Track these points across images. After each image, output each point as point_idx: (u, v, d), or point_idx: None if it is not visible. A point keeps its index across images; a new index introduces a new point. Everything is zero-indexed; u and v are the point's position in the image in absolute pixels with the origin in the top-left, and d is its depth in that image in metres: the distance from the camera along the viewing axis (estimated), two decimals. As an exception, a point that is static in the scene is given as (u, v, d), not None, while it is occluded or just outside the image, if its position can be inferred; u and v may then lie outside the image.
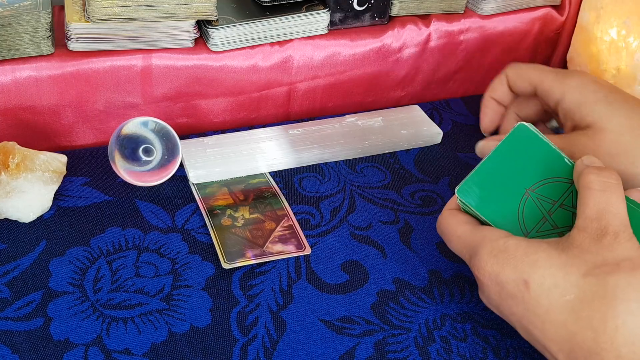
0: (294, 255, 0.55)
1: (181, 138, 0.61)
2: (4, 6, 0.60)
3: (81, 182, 0.61)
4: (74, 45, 0.62)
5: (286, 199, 0.60)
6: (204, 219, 0.58)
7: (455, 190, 0.50)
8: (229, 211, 0.58)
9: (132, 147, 0.58)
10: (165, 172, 0.59)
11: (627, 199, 0.46)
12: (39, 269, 0.52)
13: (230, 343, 0.48)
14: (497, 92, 0.64)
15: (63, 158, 0.58)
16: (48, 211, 0.57)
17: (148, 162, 0.59)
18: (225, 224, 0.57)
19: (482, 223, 0.50)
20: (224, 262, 0.53)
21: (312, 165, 0.65)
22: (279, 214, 0.58)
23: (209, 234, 0.56)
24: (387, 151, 0.67)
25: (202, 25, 0.65)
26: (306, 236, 0.57)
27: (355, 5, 0.69)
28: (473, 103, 0.74)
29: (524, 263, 0.44)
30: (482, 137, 0.63)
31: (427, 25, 0.73)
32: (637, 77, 0.64)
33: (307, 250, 0.55)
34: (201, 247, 0.55)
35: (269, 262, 0.54)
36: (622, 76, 0.65)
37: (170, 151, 0.59)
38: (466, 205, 0.50)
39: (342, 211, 0.60)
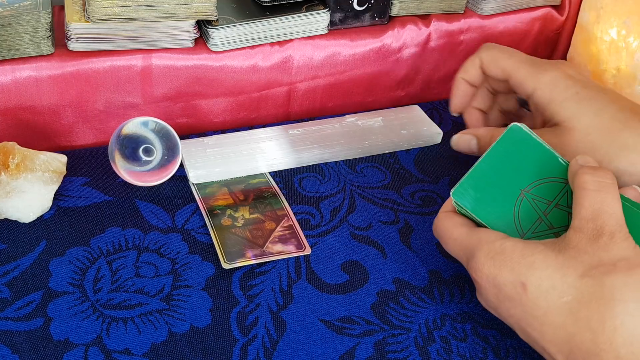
0: (294, 255, 0.55)
1: (181, 138, 0.61)
2: (4, 6, 0.60)
3: (81, 182, 0.61)
4: (74, 45, 0.62)
5: (286, 199, 0.60)
6: (204, 219, 0.58)
7: (451, 193, 0.50)
8: (229, 211, 0.58)
9: (132, 147, 0.58)
10: (165, 172, 0.59)
11: (622, 197, 0.46)
12: (39, 269, 0.52)
13: (230, 343, 0.48)
14: (469, 74, 0.64)
15: (63, 158, 0.58)
16: (48, 211, 0.57)
17: (148, 162, 0.59)
18: (225, 224, 0.57)
19: (478, 225, 0.50)
20: (224, 262, 0.53)
21: (312, 165, 0.65)
22: (279, 214, 0.58)
23: (209, 234, 0.56)
24: (387, 151, 0.67)
25: (202, 25, 0.65)
26: (306, 236, 0.57)
27: (355, 5, 0.69)
28: (473, 103, 0.74)
29: (521, 265, 0.44)
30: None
31: (427, 25, 0.73)
32: (637, 77, 0.64)
33: (307, 250, 0.55)
34: (201, 247, 0.55)
35: (269, 262, 0.54)
36: (622, 76, 0.65)
37: (171, 151, 0.59)
38: (462, 208, 0.50)
39: (342, 211, 0.60)
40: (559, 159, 0.49)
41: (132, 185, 0.59)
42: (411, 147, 0.68)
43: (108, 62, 0.63)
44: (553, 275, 0.43)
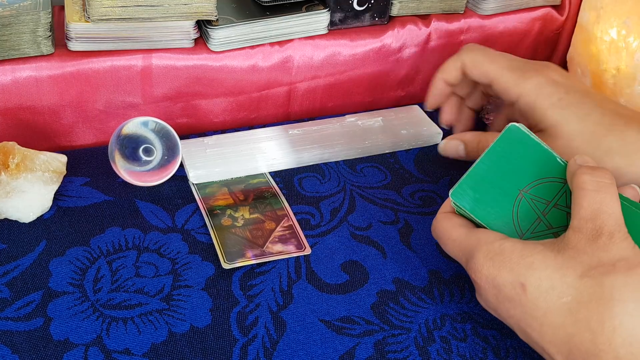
0: (294, 255, 0.55)
1: (181, 138, 0.61)
2: (4, 6, 0.60)
3: (81, 182, 0.61)
4: (74, 45, 0.62)
5: (286, 199, 0.60)
6: (204, 219, 0.58)
7: (449, 194, 0.50)
8: (229, 211, 0.58)
9: (132, 147, 0.58)
10: (165, 172, 0.59)
11: (621, 197, 0.46)
12: (39, 269, 0.52)
13: (230, 343, 0.48)
14: (449, 75, 0.63)
15: (63, 158, 0.58)
16: (48, 211, 0.57)
17: (148, 162, 0.59)
18: (225, 224, 0.57)
19: (477, 225, 0.50)
20: (224, 262, 0.53)
21: (312, 165, 0.65)
22: (279, 214, 0.58)
23: (209, 234, 0.56)
24: (387, 151, 0.67)
25: (202, 25, 0.65)
26: (306, 236, 0.57)
27: (355, 5, 0.69)
28: (473, 103, 0.74)
29: (520, 265, 0.44)
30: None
31: (427, 25, 0.73)
32: (637, 77, 0.64)
33: (307, 250, 0.55)
34: (201, 247, 0.55)
35: (269, 262, 0.54)
36: (622, 76, 0.65)
37: (171, 151, 0.59)
38: (460, 208, 0.50)
39: (342, 211, 0.60)
40: (557, 159, 0.49)
41: (132, 185, 0.59)
42: (411, 147, 0.68)
43: (108, 62, 0.63)
44: (552, 275, 0.43)
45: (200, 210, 0.59)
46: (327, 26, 0.69)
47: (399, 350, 0.49)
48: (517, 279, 0.44)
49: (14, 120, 0.63)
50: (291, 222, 0.58)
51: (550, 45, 0.81)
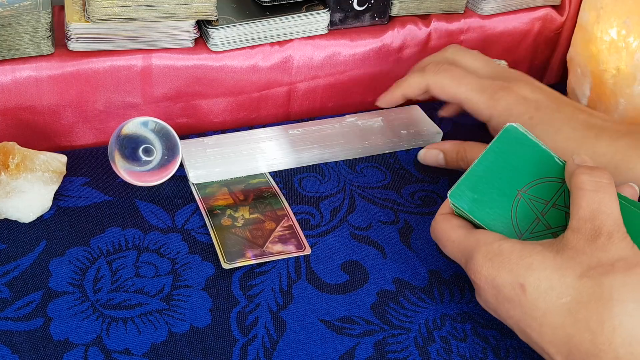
0: (294, 255, 0.55)
1: (181, 138, 0.61)
2: (4, 6, 0.60)
3: (81, 182, 0.61)
4: (74, 45, 0.62)
5: (286, 199, 0.60)
6: (204, 219, 0.58)
7: (448, 195, 0.50)
8: (229, 211, 0.58)
9: (132, 147, 0.58)
10: (165, 172, 0.59)
11: (619, 196, 0.46)
12: (39, 269, 0.52)
13: (230, 343, 0.48)
14: (410, 92, 0.63)
15: (63, 158, 0.58)
16: (48, 211, 0.57)
17: (148, 162, 0.59)
18: (225, 224, 0.57)
19: (476, 226, 0.50)
20: (224, 262, 0.53)
21: (312, 165, 0.65)
22: (279, 214, 0.58)
23: (209, 234, 0.56)
24: (387, 151, 0.67)
25: (202, 25, 0.65)
26: (306, 236, 0.57)
27: (355, 5, 0.69)
28: (473, 103, 0.74)
29: (519, 266, 0.44)
30: (480, 136, 0.62)
31: (427, 25, 0.73)
32: (637, 77, 0.64)
33: (307, 250, 0.55)
34: (201, 247, 0.55)
35: (269, 262, 0.54)
36: (622, 76, 0.65)
37: (170, 151, 0.59)
38: (459, 209, 0.50)
39: (342, 211, 0.60)
40: (556, 159, 0.49)
41: (132, 185, 0.59)
42: (411, 147, 0.68)
43: (108, 62, 0.63)
44: (551, 276, 0.43)
45: (200, 210, 0.59)
46: (327, 26, 0.69)
47: (399, 350, 0.49)
48: (517, 279, 0.44)
49: (14, 120, 0.63)
50: (291, 222, 0.58)
51: (550, 45, 0.81)
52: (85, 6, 0.61)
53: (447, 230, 0.50)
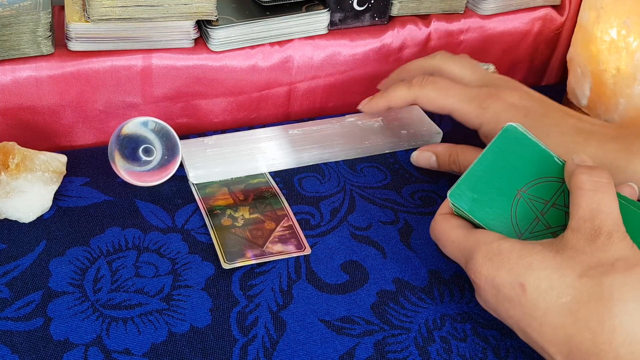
0: (294, 255, 0.55)
1: (181, 138, 0.61)
2: (4, 6, 0.60)
3: (81, 182, 0.61)
4: (74, 45, 0.62)
5: (286, 199, 0.60)
6: (203, 219, 0.58)
7: (448, 195, 0.50)
8: (229, 211, 0.58)
9: (132, 147, 0.58)
10: (165, 172, 0.59)
11: (619, 195, 0.46)
12: (39, 269, 0.52)
13: (230, 343, 0.48)
14: (395, 104, 0.63)
15: (63, 158, 0.58)
16: (48, 211, 0.57)
17: (148, 162, 0.59)
18: (225, 224, 0.57)
19: (476, 226, 0.50)
20: (224, 262, 0.53)
21: (312, 165, 0.65)
22: (279, 214, 0.58)
23: (209, 234, 0.56)
24: (387, 151, 0.67)
25: (202, 25, 0.65)
26: (306, 236, 0.57)
27: (355, 5, 0.69)
28: (473, 103, 0.74)
29: (519, 266, 0.44)
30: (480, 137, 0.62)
31: (427, 25, 0.73)
32: (637, 77, 0.64)
33: (307, 250, 0.55)
34: (201, 247, 0.55)
35: (268, 262, 0.54)
36: (622, 76, 0.65)
37: (170, 151, 0.59)
38: (459, 209, 0.50)
39: (342, 211, 0.60)
40: (555, 158, 0.49)
41: (132, 185, 0.59)
42: (411, 147, 0.68)
43: (108, 62, 0.63)
44: (551, 275, 0.43)
45: (200, 210, 0.59)
46: (327, 26, 0.69)
47: (399, 350, 0.49)
48: (516, 279, 0.44)
49: (14, 120, 0.63)
50: (291, 222, 0.58)
51: (550, 45, 0.81)
52: (85, 6, 0.61)
53: (446, 230, 0.50)
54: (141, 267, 0.53)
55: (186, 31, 0.64)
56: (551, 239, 0.46)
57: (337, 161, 0.65)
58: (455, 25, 0.74)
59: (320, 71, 0.71)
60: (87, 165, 0.62)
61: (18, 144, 0.56)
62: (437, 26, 0.73)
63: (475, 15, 0.75)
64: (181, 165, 0.61)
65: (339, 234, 0.58)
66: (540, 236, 0.48)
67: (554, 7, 0.78)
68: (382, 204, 0.61)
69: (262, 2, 0.66)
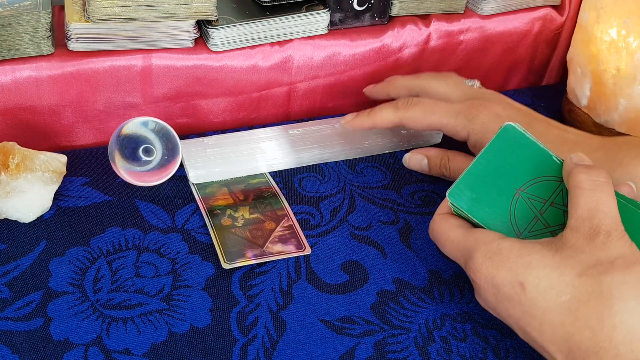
0: (294, 255, 0.55)
1: (181, 138, 0.61)
2: (4, 6, 0.60)
3: (81, 182, 0.61)
4: (74, 45, 0.62)
5: (286, 199, 0.60)
6: (204, 219, 0.58)
7: (447, 194, 0.50)
8: (229, 211, 0.58)
9: (132, 147, 0.58)
10: (165, 172, 0.59)
11: (617, 194, 0.46)
12: (39, 269, 0.52)
13: (230, 343, 0.48)
14: (381, 124, 0.63)
15: (63, 158, 0.58)
16: (48, 211, 0.57)
17: (148, 162, 0.59)
18: (225, 224, 0.57)
19: (475, 226, 0.50)
20: (224, 262, 0.53)
21: (312, 165, 0.65)
22: (279, 214, 0.58)
23: (209, 234, 0.56)
24: (387, 151, 0.67)
25: (202, 25, 0.65)
26: (306, 236, 0.57)
27: (355, 5, 0.69)
28: (473, 103, 0.74)
29: (519, 265, 0.44)
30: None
31: (427, 25, 0.73)
32: (637, 77, 0.64)
33: (307, 250, 0.55)
34: (201, 247, 0.55)
35: (269, 262, 0.54)
36: (622, 76, 0.65)
37: (170, 151, 0.59)
38: (458, 209, 0.50)
39: (342, 211, 0.60)
40: (553, 157, 0.49)
41: (132, 185, 0.59)
42: (411, 147, 0.68)
43: (108, 62, 0.63)
44: (551, 274, 0.43)
45: (200, 210, 0.59)
46: (327, 26, 0.69)
47: (399, 350, 0.49)
48: (516, 278, 0.44)
49: (14, 120, 0.63)
50: (291, 222, 0.58)
51: (550, 45, 0.81)
52: (85, 6, 0.61)
53: (446, 230, 0.50)
54: (141, 267, 0.53)
55: (186, 31, 0.64)
56: (550, 238, 0.46)
57: (337, 161, 0.65)
58: (455, 26, 0.74)
59: (320, 71, 0.71)
60: (87, 165, 0.62)
61: (18, 144, 0.56)
62: (437, 26, 0.73)
63: (475, 15, 0.75)
64: (181, 165, 0.61)
65: (339, 234, 0.58)
66: (539, 235, 0.48)
67: (554, 7, 0.78)
68: (382, 204, 0.61)
69: (262, 2, 0.66)
